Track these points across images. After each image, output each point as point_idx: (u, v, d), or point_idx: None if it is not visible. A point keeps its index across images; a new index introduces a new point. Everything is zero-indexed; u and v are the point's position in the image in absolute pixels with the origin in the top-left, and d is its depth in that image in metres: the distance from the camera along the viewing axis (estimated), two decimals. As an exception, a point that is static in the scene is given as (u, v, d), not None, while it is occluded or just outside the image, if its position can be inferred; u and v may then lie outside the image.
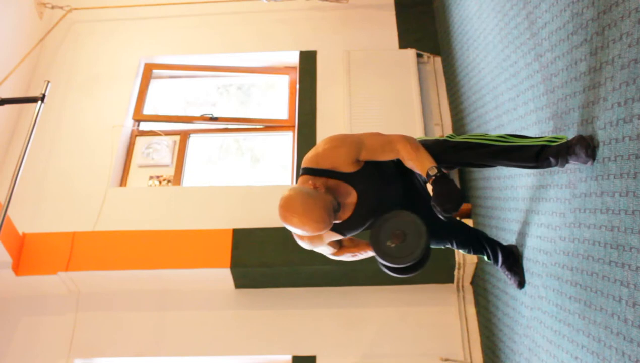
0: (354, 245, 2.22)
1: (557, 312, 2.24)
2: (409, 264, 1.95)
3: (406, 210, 1.95)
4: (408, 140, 1.94)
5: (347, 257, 2.23)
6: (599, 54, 1.84)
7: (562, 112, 2.16)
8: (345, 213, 1.96)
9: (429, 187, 1.95)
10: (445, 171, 1.88)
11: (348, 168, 1.91)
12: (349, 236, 2.08)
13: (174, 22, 4.80)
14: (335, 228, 1.99)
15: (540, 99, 2.39)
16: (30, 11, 4.60)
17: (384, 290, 3.66)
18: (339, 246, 2.20)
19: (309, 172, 1.91)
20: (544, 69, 2.35)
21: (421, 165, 1.87)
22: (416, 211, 2.05)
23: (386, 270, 2.09)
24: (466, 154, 1.97)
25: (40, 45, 4.59)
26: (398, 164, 2.00)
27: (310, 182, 1.87)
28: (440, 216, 1.86)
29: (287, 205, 1.76)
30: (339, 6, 4.75)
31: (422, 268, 2.03)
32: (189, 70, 4.81)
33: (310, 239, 2.03)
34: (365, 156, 1.93)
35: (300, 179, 1.94)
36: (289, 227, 1.79)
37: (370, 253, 2.17)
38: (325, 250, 2.17)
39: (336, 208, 1.83)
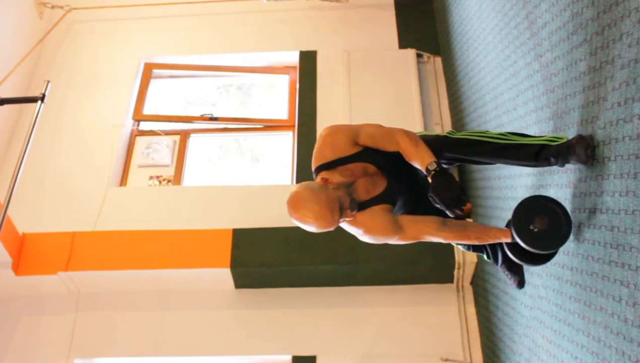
0: (482, 230, 2.02)
1: (557, 312, 2.24)
2: (550, 252, 1.90)
3: (548, 196, 1.91)
4: (408, 133, 1.94)
5: (469, 239, 2.01)
6: (599, 54, 1.84)
7: (562, 111, 2.16)
8: (380, 185, 1.94)
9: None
10: (444, 166, 1.88)
11: (351, 150, 1.91)
12: (399, 203, 1.98)
13: (174, 22, 4.80)
14: (383, 199, 1.93)
15: (540, 98, 2.39)
16: (30, 11, 4.60)
17: (384, 290, 3.66)
18: (438, 225, 1.95)
19: (322, 168, 1.91)
20: (543, 69, 2.35)
21: (420, 160, 1.87)
22: (418, 204, 2.05)
23: (513, 257, 1.99)
24: (466, 151, 1.97)
25: (40, 45, 4.59)
26: (399, 157, 2.00)
27: (320, 177, 1.87)
28: (437, 205, 1.85)
29: (292, 202, 1.77)
30: (339, 6, 4.75)
31: (552, 258, 1.99)
32: (189, 70, 4.81)
33: (378, 226, 1.90)
34: (364, 140, 1.93)
35: (317, 177, 1.93)
36: (297, 223, 1.79)
37: (503, 239, 1.98)
38: (427, 231, 1.94)
39: (351, 204, 1.80)
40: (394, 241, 1.95)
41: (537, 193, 2.46)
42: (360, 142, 1.94)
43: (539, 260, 1.99)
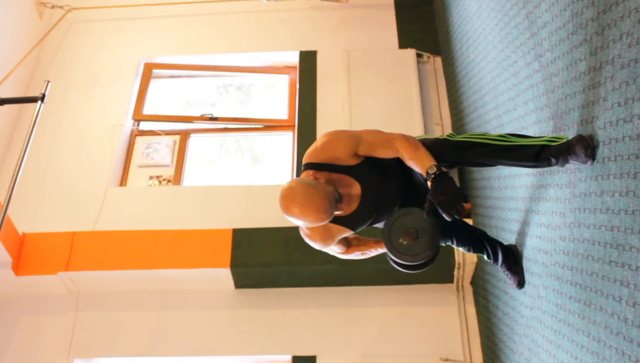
0: (363, 244, 2.23)
1: (557, 312, 2.24)
2: (420, 262, 1.95)
3: (419, 208, 1.96)
4: (408, 138, 1.94)
5: (356, 256, 2.24)
6: (598, 54, 1.84)
7: (562, 111, 2.16)
8: (352, 206, 1.97)
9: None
10: (444, 169, 1.88)
11: (348, 160, 1.92)
12: (359, 229, 2.07)
13: (174, 22, 4.80)
14: (345, 223, 1.99)
15: (540, 98, 2.39)
16: (30, 11, 4.60)
17: (384, 290, 3.66)
18: (347, 245, 2.20)
19: (311, 166, 1.93)
20: (543, 69, 2.35)
21: (421, 164, 1.88)
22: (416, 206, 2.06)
23: (395, 266, 2.09)
24: (466, 153, 1.97)
25: (40, 45, 4.59)
26: (399, 161, 2.01)
27: (311, 173, 1.88)
28: (429, 208, 1.87)
29: (288, 195, 1.77)
30: (339, 6, 4.75)
31: (430, 265, 2.04)
32: (189, 70, 4.81)
33: (322, 238, 2.01)
34: (363, 151, 1.94)
35: (302, 174, 1.95)
36: (291, 219, 1.79)
37: (380, 250, 2.18)
38: (335, 250, 2.17)
39: (338, 199, 1.83)
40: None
41: (537, 193, 2.46)
42: (360, 153, 1.94)
43: (418, 267, 2.04)
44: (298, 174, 4.03)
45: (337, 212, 1.86)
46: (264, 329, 3.59)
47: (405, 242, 1.91)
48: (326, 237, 2.02)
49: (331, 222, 1.94)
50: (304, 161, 1.97)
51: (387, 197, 2.02)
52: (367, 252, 2.23)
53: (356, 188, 1.95)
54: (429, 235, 1.91)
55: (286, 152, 4.41)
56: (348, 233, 2.04)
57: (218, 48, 4.71)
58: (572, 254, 2.08)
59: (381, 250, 2.13)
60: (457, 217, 1.81)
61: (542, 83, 2.37)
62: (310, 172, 1.91)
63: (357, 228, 2.05)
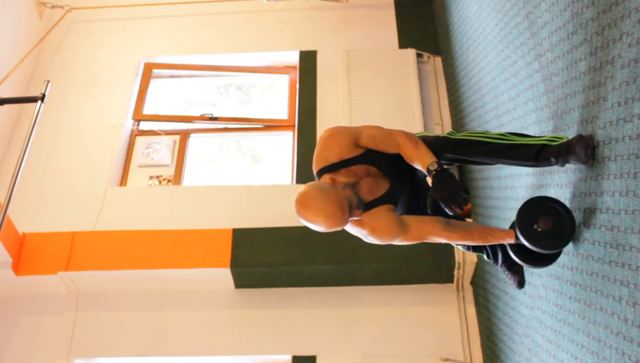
0: (487, 232, 2.00)
1: (557, 311, 2.24)
2: (553, 252, 1.90)
3: (552, 197, 1.92)
4: (408, 135, 1.95)
5: (472, 241, 2.00)
6: (599, 54, 1.84)
7: (562, 111, 2.16)
8: (384, 184, 1.95)
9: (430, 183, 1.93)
10: (445, 166, 1.89)
11: (353, 151, 1.91)
12: (401, 203, 1.98)
13: (174, 22, 4.80)
14: (386, 200, 1.94)
15: (540, 98, 2.39)
16: (30, 11, 4.60)
17: (384, 290, 3.66)
18: (445, 225, 1.94)
19: (325, 170, 1.91)
20: (543, 69, 2.35)
21: (421, 160, 1.88)
22: (416, 205, 2.05)
23: (516, 258, 2.00)
24: (466, 151, 1.97)
25: (40, 45, 4.59)
26: (399, 157, 2.00)
27: (329, 177, 1.86)
28: (431, 204, 1.85)
29: (301, 201, 1.75)
30: (339, 6, 4.75)
31: (555, 259, 1.99)
32: (189, 70, 4.81)
33: (376, 228, 1.90)
34: (365, 142, 1.94)
35: (320, 179, 1.92)
36: (304, 223, 1.78)
37: (509, 240, 1.97)
38: (423, 234, 1.95)
39: (356, 204, 1.81)
40: (398, 241, 1.95)
41: (537, 193, 2.46)
42: (361, 144, 1.94)
43: (543, 261, 1.99)
44: (298, 174, 4.04)
45: (354, 218, 1.81)
46: (264, 329, 3.59)
47: (539, 229, 1.85)
48: (388, 224, 1.90)
49: (375, 206, 1.91)
50: (314, 169, 1.94)
51: (402, 174, 2.01)
52: (491, 240, 2.00)
53: (374, 169, 1.94)
54: (565, 226, 1.84)
55: (286, 152, 4.41)
56: (393, 208, 1.97)
57: (218, 48, 4.71)
58: (572, 254, 2.08)
59: (509, 240, 1.95)
60: (459, 211, 1.81)
61: (542, 83, 2.37)
62: (327, 175, 1.88)
63: (399, 200, 1.99)
